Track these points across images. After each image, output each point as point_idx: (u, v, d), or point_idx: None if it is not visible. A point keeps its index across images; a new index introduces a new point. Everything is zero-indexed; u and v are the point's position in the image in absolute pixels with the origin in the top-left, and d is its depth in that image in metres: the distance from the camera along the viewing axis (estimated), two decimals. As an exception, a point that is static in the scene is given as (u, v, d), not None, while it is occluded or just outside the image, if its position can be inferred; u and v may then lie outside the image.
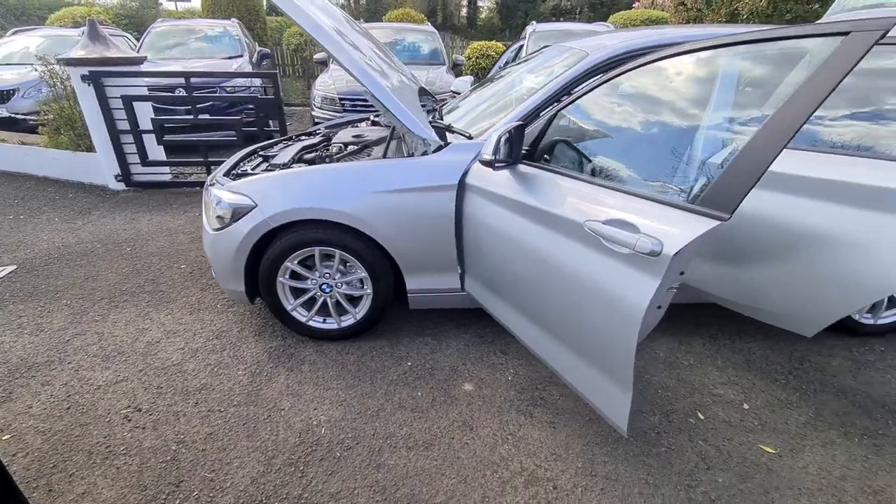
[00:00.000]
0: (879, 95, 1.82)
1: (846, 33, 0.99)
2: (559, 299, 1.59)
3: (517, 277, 1.81)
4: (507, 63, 6.86)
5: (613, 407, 1.49)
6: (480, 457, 1.77)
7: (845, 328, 2.45)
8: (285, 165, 2.48)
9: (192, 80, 4.50)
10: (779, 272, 1.85)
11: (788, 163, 1.83)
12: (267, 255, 2.18)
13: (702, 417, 1.95)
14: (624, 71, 1.57)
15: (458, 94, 3.84)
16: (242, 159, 2.79)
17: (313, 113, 5.78)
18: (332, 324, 2.37)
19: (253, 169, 2.58)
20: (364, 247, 2.15)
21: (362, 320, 2.35)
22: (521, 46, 6.69)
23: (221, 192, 2.22)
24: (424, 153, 2.12)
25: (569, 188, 1.54)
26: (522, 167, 1.76)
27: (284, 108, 9.69)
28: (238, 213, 2.14)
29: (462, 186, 2.03)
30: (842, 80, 0.97)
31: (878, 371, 2.23)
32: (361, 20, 7.31)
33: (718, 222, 1.11)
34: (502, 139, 1.58)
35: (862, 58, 0.95)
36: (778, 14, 6.07)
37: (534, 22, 7.54)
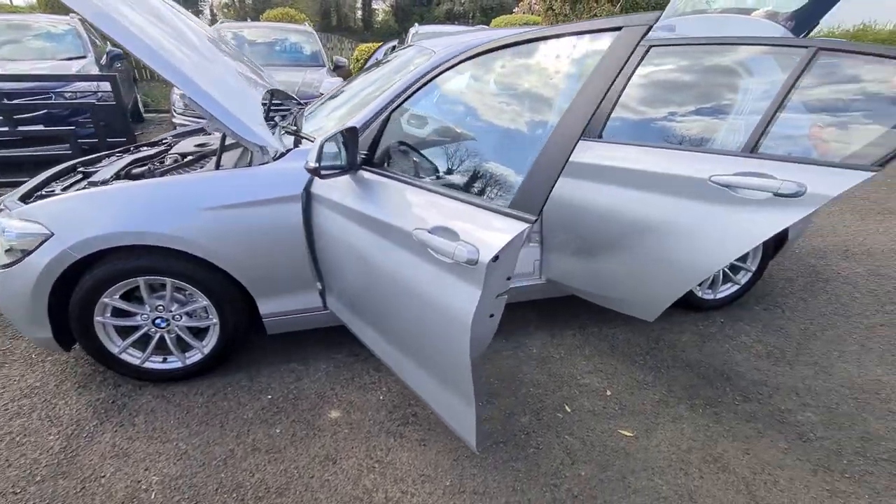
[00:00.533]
0: (703, 92, 1.98)
1: (619, 28, 1.00)
2: (401, 313, 1.49)
3: (365, 291, 1.68)
4: (376, 63, 6.78)
5: (460, 421, 1.42)
6: (342, 493, 1.61)
7: (691, 305, 2.69)
8: (105, 182, 2.10)
9: (22, 84, 3.78)
10: (621, 262, 1.94)
11: (623, 157, 1.92)
12: (76, 292, 1.82)
13: (569, 410, 1.98)
14: (441, 71, 1.51)
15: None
16: (55, 177, 2.34)
17: (174, 120, 5.18)
18: (175, 362, 2.05)
19: (66, 188, 2.17)
20: (201, 271, 1.88)
21: (212, 354, 2.06)
22: (394, 47, 6.62)
23: (8, 220, 1.81)
24: (264, 162, 1.91)
25: (404, 194, 1.45)
26: (364, 174, 1.63)
27: (152, 115, 8.61)
28: (30, 245, 1.75)
29: (310, 196, 1.86)
30: (619, 75, 0.98)
31: (718, 342, 2.46)
32: (248, 19, 6.82)
33: (527, 225, 1.07)
34: (325, 145, 1.44)
35: (633, 51, 0.96)
36: (630, 20, 6.70)
37: (416, 24, 7.54)
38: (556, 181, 1.03)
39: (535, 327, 2.55)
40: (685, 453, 1.79)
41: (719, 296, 2.70)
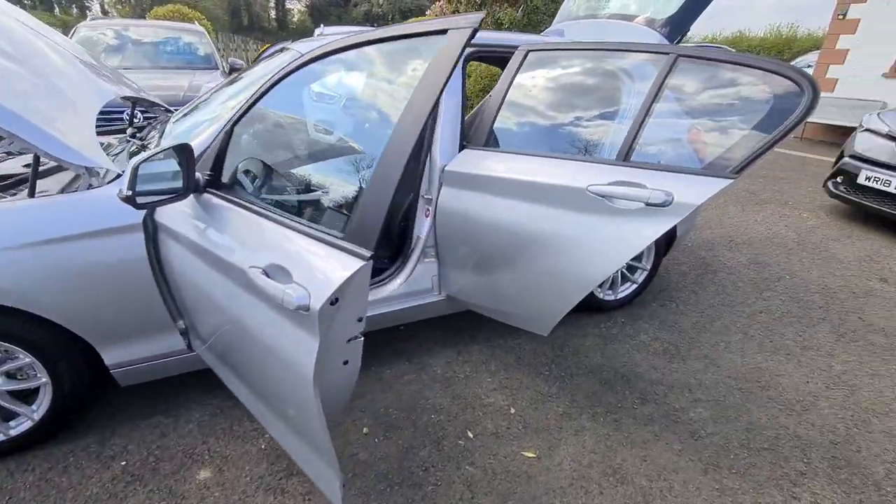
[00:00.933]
0: (584, 98, 1.96)
1: (444, 31, 0.88)
2: (253, 362, 1.28)
3: (220, 335, 1.44)
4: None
5: (325, 483, 1.25)
6: (203, 576, 1.36)
7: (594, 307, 2.72)
8: None
9: None
10: (512, 275, 1.86)
11: (507, 167, 1.84)
12: None
13: (471, 436, 1.87)
14: (282, 77, 1.32)
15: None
16: None
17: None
18: (-6, 435, 1.67)
19: None
20: (17, 323, 1.53)
21: (46, 419, 1.70)
22: (283, 48, 6.26)
23: None
24: (93, 185, 1.59)
25: (244, 223, 1.24)
26: (209, 198, 1.40)
27: None
28: None
29: (156, 225, 1.57)
30: (449, 79, 0.86)
31: (620, 342, 2.49)
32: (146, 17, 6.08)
33: (362, 263, 0.92)
34: (141, 167, 1.19)
35: (461, 54, 0.84)
36: (532, 25, 6.94)
37: (322, 25, 7.19)
38: (387, 208, 0.89)
39: (441, 345, 2.43)
40: (586, 469, 1.74)
41: (620, 296, 2.75)
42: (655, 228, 1.46)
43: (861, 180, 4.05)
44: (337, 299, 0.92)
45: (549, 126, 1.96)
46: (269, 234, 1.15)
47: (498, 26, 7.29)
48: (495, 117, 1.90)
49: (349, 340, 1.03)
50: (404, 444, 1.82)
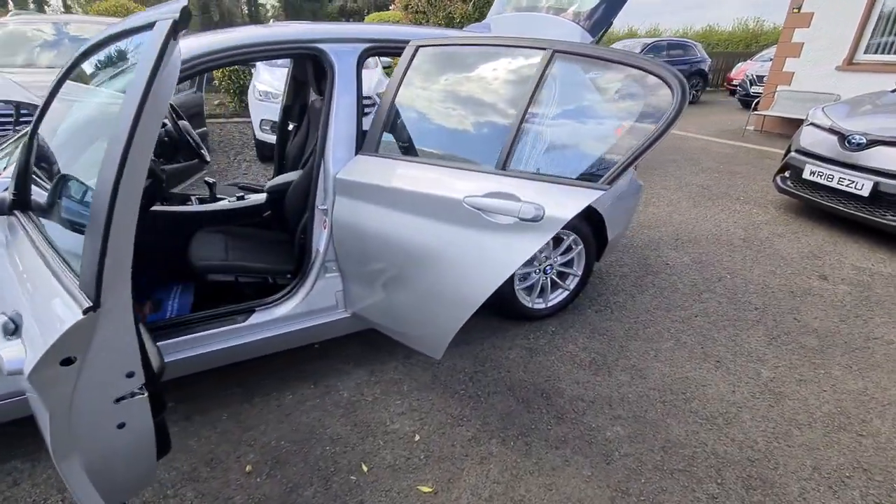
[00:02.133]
0: (477, 98, 1.80)
1: (153, 24, 0.71)
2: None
3: None
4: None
5: None
6: None
7: (524, 316, 2.58)
8: None
9: None
10: (403, 293, 1.71)
11: (393, 174, 1.68)
12: None
13: (365, 470, 1.71)
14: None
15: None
16: None
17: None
18: None
19: None
20: None
21: None
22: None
23: None
24: None
25: (30, 253, 1.05)
26: (14, 220, 1.20)
27: None
28: None
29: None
30: (154, 79, 0.68)
31: (546, 354, 2.37)
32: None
33: (79, 317, 0.75)
34: None
35: (167, 46, 0.68)
36: (484, 19, 6.77)
37: (272, 20, 6.92)
38: (100, 249, 0.72)
39: (355, 363, 2.26)
40: (485, 503, 1.60)
41: (551, 304, 2.63)
42: (530, 245, 1.32)
43: (806, 175, 4.01)
44: (71, 358, 0.75)
45: (438, 129, 1.81)
46: (36, 272, 0.95)
47: (449, 22, 7.12)
48: (385, 120, 1.74)
49: (118, 400, 0.86)
50: (289, 482, 1.66)
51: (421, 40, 1.74)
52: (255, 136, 5.83)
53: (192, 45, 1.66)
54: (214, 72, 9.31)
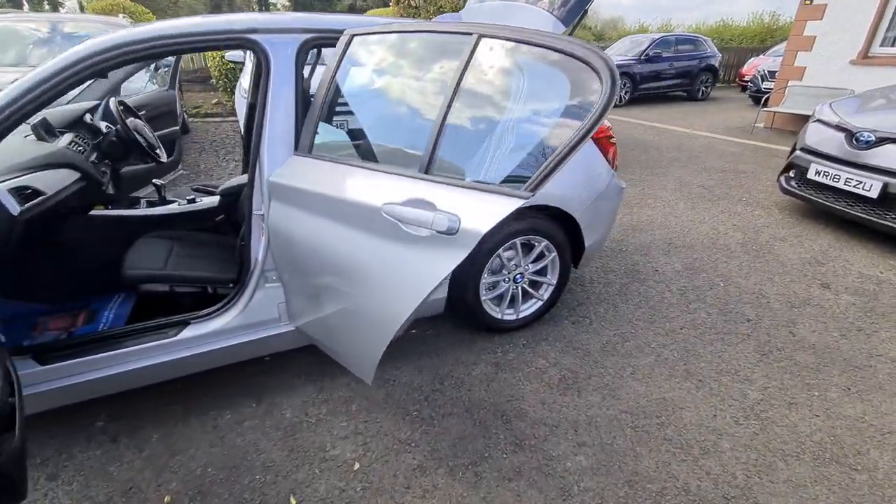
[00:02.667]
0: (410, 94, 1.63)
1: None
2: None
3: None
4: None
5: None
6: None
7: (494, 328, 2.41)
8: None
9: None
10: (335, 310, 1.55)
11: (320, 178, 1.52)
12: None
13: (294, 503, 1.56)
14: None
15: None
16: None
17: None
18: None
19: None
20: None
21: None
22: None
23: None
24: None
25: None
26: None
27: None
28: None
29: None
30: None
31: (512, 371, 2.19)
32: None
33: None
34: None
35: None
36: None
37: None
38: None
39: (305, 379, 2.11)
40: (420, 545, 1.44)
41: (522, 315, 2.44)
42: (447, 263, 1.15)
43: (811, 175, 3.76)
44: None
45: (372, 126, 1.64)
46: None
47: (439, 10, 6.96)
48: (318, 117, 1.57)
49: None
50: (208, 517, 1.51)
51: (355, 28, 1.57)
52: (242, 134, 5.72)
53: (107, 37, 1.52)
54: (211, 70, 9.24)
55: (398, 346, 2.32)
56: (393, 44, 1.64)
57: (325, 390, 2.05)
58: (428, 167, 1.23)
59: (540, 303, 2.47)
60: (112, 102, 2.37)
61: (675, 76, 11.77)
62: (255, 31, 1.70)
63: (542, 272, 2.44)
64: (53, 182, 1.77)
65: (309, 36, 1.78)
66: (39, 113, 1.81)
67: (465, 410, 1.95)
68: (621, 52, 11.98)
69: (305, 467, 1.69)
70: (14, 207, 1.53)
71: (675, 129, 8.15)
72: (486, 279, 2.25)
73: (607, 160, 2.39)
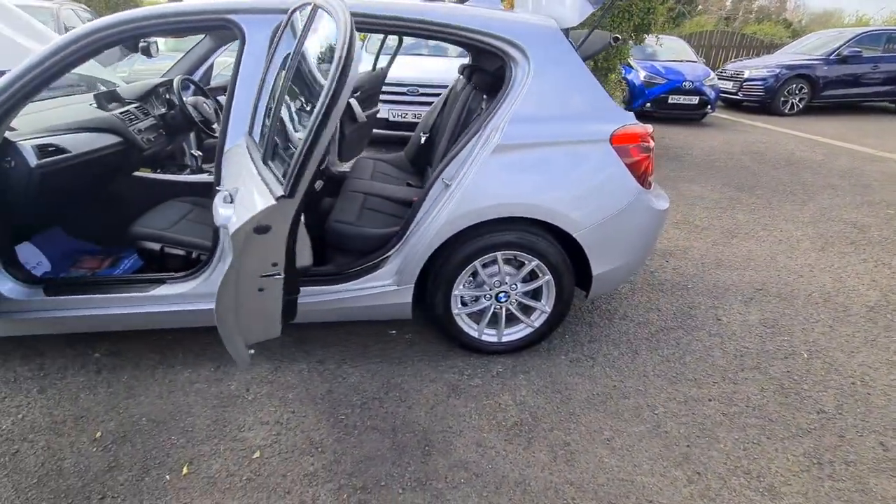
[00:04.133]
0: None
1: None
2: None
3: None
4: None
5: None
6: None
7: (472, 347, 2.16)
8: None
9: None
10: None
11: (232, 163, 1.48)
12: None
13: (185, 473, 1.58)
14: None
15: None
16: None
17: None
18: None
19: None
20: None
21: None
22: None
23: None
24: None
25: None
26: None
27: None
28: None
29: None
30: None
31: (468, 399, 1.93)
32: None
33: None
34: None
35: None
36: None
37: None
38: None
39: (269, 355, 2.14)
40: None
41: (505, 339, 2.15)
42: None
43: None
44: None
45: (261, 113, 1.54)
46: None
47: None
48: (255, 99, 1.55)
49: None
50: (115, 461, 1.63)
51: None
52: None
53: (87, 24, 1.69)
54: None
55: (366, 343, 2.24)
56: (290, 23, 1.55)
57: (278, 371, 2.07)
58: (265, 156, 1.11)
59: (530, 330, 2.14)
60: (175, 81, 2.69)
61: (881, 82, 9.29)
62: (235, 11, 1.74)
63: (536, 295, 2.11)
64: (83, 143, 2.07)
65: (286, 16, 1.76)
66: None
67: (391, 428, 1.79)
68: (805, 49, 9.85)
69: (214, 441, 1.72)
70: (33, 160, 1.82)
71: (855, 149, 6.43)
72: (459, 291, 2.03)
73: (635, 173, 1.93)
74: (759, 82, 9.16)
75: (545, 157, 1.85)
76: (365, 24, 1.76)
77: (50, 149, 1.90)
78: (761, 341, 2.33)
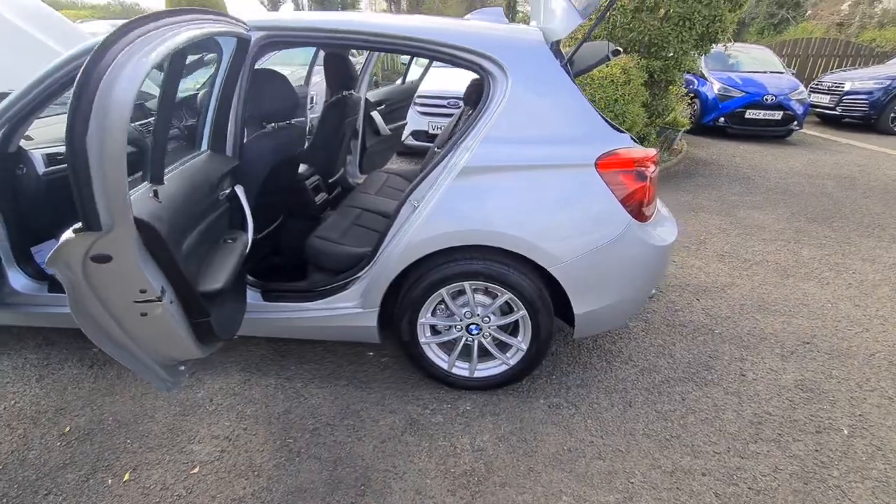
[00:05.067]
0: None
1: None
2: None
3: None
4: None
5: None
6: None
7: (439, 379, 2.03)
8: None
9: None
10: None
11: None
12: None
13: (125, 479, 1.62)
14: None
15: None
16: None
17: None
18: None
19: None
20: None
21: None
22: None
23: None
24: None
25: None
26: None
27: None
28: None
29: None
30: None
31: (422, 437, 1.79)
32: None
33: None
34: None
35: None
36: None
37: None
38: None
39: (244, 367, 2.16)
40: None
41: (478, 374, 1.98)
42: None
43: None
44: None
45: None
46: None
47: None
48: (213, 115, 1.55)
49: None
50: (72, 458, 1.70)
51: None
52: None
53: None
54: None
55: (340, 363, 2.18)
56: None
57: (247, 384, 2.07)
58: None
59: (506, 367, 1.96)
60: (201, 94, 2.85)
61: None
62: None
63: (513, 330, 1.93)
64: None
65: (262, 34, 1.77)
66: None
67: (333, 460, 1.70)
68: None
69: (163, 450, 1.74)
70: (41, 168, 1.98)
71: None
72: (426, 319, 1.90)
73: (627, 202, 1.69)
74: (863, 96, 8.01)
75: (516, 182, 1.68)
76: (330, 40, 1.72)
77: (59, 157, 2.06)
78: (791, 408, 1.95)
